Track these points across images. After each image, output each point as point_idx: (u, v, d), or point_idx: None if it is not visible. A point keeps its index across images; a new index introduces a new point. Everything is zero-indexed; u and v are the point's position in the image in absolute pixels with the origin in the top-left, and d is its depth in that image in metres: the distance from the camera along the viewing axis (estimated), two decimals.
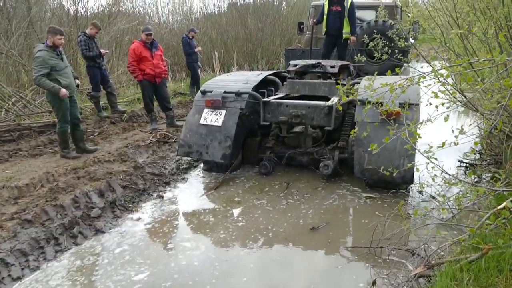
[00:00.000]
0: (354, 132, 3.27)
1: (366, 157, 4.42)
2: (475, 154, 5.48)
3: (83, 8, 11.02)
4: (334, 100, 4.93)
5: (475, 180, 4.61)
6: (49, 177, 4.70)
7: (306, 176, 5.13)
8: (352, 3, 6.96)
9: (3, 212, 3.91)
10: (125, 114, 7.81)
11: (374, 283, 2.82)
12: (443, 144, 2.39)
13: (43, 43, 5.14)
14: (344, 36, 7.07)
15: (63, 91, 5.12)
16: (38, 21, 10.00)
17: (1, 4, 9.04)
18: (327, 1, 7.07)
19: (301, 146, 5.38)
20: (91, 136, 6.55)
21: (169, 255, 3.34)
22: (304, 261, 3.25)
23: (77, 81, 5.75)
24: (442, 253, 2.98)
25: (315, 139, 5.37)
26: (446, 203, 3.18)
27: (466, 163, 5.25)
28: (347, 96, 4.96)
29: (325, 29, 7.25)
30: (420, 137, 2.85)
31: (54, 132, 6.19)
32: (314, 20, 7.51)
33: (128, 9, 14.92)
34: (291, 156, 5.32)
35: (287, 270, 3.10)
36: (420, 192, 4.39)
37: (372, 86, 2.89)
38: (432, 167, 2.82)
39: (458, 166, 5.23)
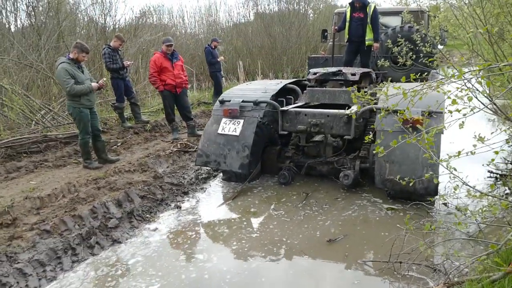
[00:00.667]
0: (368, 138, 3.14)
1: (387, 167, 4.26)
2: (506, 164, 5.21)
3: (111, 21, 11.34)
4: (354, 108, 4.80)
5: (506, 192, 4.36)
6: (70, 188, 4.78)
7: (325, 186, 5.01)
8: (375, 9, 6.81)
9: (24, 222, 4.00)
10: (149, 124, 7.92)
11: None
12: (459, 153, 2.25)
13: (65, 56, 5.29)
14: (367, 43, 6.92)
15: (95, 84, 5.39)
16: (68, 35, 10.34)
17: (33, 20, 9.40)
18: (349, 8, 6.94)
19: (321, 155, 5.27)
20: (114, 147, 6.65)
21: (181, 267, 3.31)
22: (318, 275, 3.14)
23: (104, 79, 5.89)
24: (466, 270, 2.81)
25: (335, 148, 5.25)
26: (472, 216, 3.00)
27: (496, 173, 4.98)
28: (365, 105, 4.85)
29: (347, 36, 7.12)
30: (433, 145, 2.70)
31: (78, 143, 6.33)
32: (336, 27, 7.40)
33: (154, 21, 15.28)
34: (311, 166, 5.22)
35: (301, 285, 3.00)
36: (445, 204, 4.19)
37: (388, 93, 2.78)
38: (454, 178, 2.67)
39: (488, 177, 4.97)
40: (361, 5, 6.79)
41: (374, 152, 4.52)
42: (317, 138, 5.35)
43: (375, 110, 4.63)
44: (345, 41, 7.45)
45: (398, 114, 3.40)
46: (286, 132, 5.12)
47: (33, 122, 7.31)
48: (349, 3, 6.93)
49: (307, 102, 5.60)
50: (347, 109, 4.73)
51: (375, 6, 6.87)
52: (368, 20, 6.81)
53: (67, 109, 5.52)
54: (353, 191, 4.79)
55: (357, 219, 4.08)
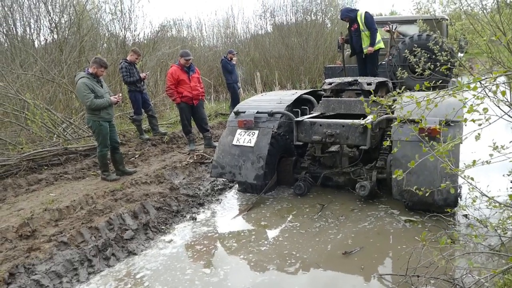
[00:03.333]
0: (386, 144, 3.06)
1: (404, 178, 4.17)
2: None
3: (131, 36, 11.59)
4: (369, 118, 4.74)
5: None
6: (88, 200, 4.86)
7: (341, 197, 4.94)
8: (366, 15, 6.79)
9: (43, 234, 4.07)
10: (166, 136, 8.01)
11: None
12: (474, 162, 2.18)
13: (84, 71, 5.42)
14: (364, 51, 6.93)
15: (113, 98, 5.51)
16: (89, 49, 10.61)
17: (55, 36, 9.69)
18: (348, 23, 7.06)
19: (337, 166, 5.21)
20: (132, 159, 6.74)
21: (186, 280, 3.30)
22: (327, 286, 3.08)
23: (120, 94, 6.01)
24: (486, 284, 2.70)
25: (352, 159, 5.18)
26: (491, 229, 2.90)
27: None
28: (381, 114, 4.77)
29: (352, 49, 7.23)
30: (448, 154, 2.63)
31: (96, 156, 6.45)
32: (343, 37, 7.48)
33: (173, 34, 15.54)
34: (327, 177, 5.16)
35: None
36: (465, 216, 4.06)
37: (402, 102, 2.73)
38: (472, 188, 2.60)
39: (511, 187, 4.81)
40: (351, 19, 6.86)
41: (391, 159, 4.47)
42: (333, 148, 5.29)
43: (391, 119, 4.56)
44: (349, 55, 7.52)
45: (414, 123, 3.35)
46: (301, 143, 5.08)
47: (55, 135, 7.49)
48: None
49: (322, 113, 5.57)
50: (363, 119, 4.68)
51: (365, 12, 6.84)
52: (362, 28, 6.81)
53: (87, 122, 5.64)
54: (370, 203, 4.70)
55: (374, 231, 4.00)
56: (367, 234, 3.93)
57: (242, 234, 4.13)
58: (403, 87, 3.03)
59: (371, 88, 5.44)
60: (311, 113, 5.58)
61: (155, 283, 3.29)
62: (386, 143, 3.05)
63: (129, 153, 7.01)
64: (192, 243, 3.99)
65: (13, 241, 3.94)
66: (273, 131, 5.00)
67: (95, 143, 6.98)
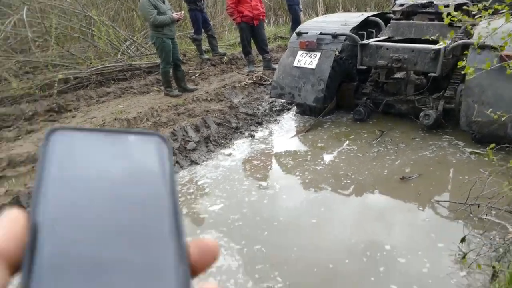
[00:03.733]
0: (460, 63, 2.86)
1: (475, 108, 3.96)
2: None
3: None
4: (443, 43, 4.42)
5: None
6: (153, 112, 5.10)
7: (403, 125, 4.82)
8: None
9: None
10: (225, 57, 8.02)
11: (463, 239, 2.61)
12: None
13: None
14: None
15: (175, 15, 5.53)
16: None
17: None
18: None
19: (401, 93, 5.01)
20: (192, 77, 6.88)
21: (244, 190, 3.47)
22: (381, 210, 3.13)
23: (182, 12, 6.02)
24: None
25: (418, 87, 4.94)
26: None
27: None
28: (457, 40, 4.44)
29: None
30: None
31: (159, 73, 6.64)
32: None
33: None
34: (389, 104, 5.00)
35: (363, 216, 3.03)
36: None
37: (482, 26, 2.51)
38: None
39: None
40: None
41: (462, 89, 4.22)
42: (399, 74, 5.06)
43: (467, 45, 4.24)
44: None
45: (495, 50, 3.10)
46: (365, 67, 4.90)
47: (119, 52, 7.74)
48: None
49: (390, 36, 5.26)
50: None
51: None
52: None
53: (150, 39, 5.74)
54: (433, 132, 4.56)
55: (435, 160, 3.92)
56: (427, 163, 3.87)
57: (298, 153, 4.21)
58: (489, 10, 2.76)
59: (449, 10, 5.00)
60: (378, 37, 5.30)
61: (215, 190, 3.50)
62: (461, 66, 2.85)
63: (190, 71, 7.14)
64: (250, 158, 4.14)
65: None
66: (335, 54, 4.84)
67: (157, 61, 7.16)
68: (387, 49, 4.59)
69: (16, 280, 0.24)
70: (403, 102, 4.94)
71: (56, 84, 5.85)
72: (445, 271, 2.40)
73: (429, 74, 4.49)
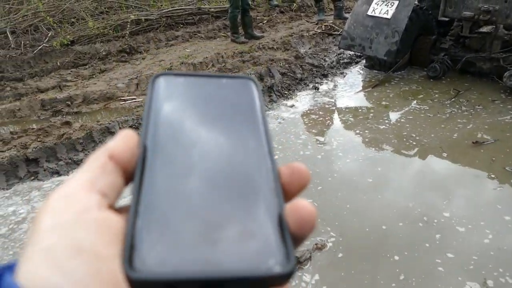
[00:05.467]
0: None
1: None
2: None
3: None
4: None
5: None
6: (219, 58, 5.12)
7: (482, 86, 4.41)
8: None
9: None
10: (295, 4, 7.72)
11: None
12: None
13: None
14: None
15: None
16: None
17: None
18: None
19: (485, 50, 4.54)
20: (260, 24, 6.74)
21: (300, 144, 3.41)
22: (445, 174, 2.96)
23: None
24: None
25: (506, 43, 4.44)
26: None
27: None
28: None
29: None
30: None
31: (227, 18, 6.58)
32: None
33: None
34: (469, 61, 4.57)
35: (415, 180, 2.88)
36: None
37: None
38: None
39: None
40: None
41: None
42: (485, 29, 4.57)
43: None
44: None
45: None
46: (447, 19, 4.48)
47: None
48: None
49: None
50: None
51: None
52: None
53: None
54: None
55: None
56: (506, 128, 3.55)
57: (361, 110, 4.05)
58: None
59: None
60: None
61: (273, 142, 3.49)
62: None
63: (257, 18, 6.99)
64: (311, 111, 4.05)
65: None
66: (415, 4, 4.44)
67: (226, 6, 7.08)
68: None
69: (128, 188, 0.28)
70: (486, 60, 4.49)
71: (128, 25, 6.03)
72: (510, 244, 2.25)
73: None
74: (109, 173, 0.27)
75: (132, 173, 0.27)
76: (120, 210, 0.27)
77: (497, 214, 2.49)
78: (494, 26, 4.40)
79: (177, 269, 0.23)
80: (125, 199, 0.27)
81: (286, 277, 0.24)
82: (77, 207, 0.25)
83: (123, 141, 0.28)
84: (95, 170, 0.27)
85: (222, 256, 0.24)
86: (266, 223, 0.26)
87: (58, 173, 2.98)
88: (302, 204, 0.27)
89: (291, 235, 0.26)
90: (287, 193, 0.29)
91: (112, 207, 0.27)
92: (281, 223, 0.26)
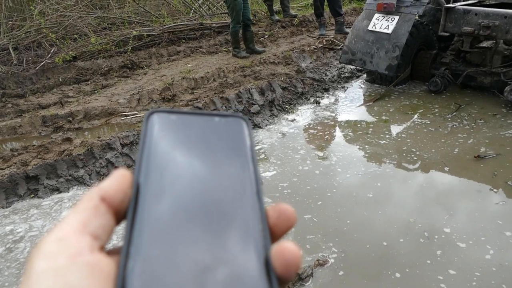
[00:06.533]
0: None
1: None
2: None
3: None
4: None
5: None
6: (220, 73, 5.15)
7: (483, 100, 4.41)
8: None
9: (181, 99, 4.52)
10: (296, 19, 7.79)
11: None
12: None
13: None
14: None
15: None
16: None
17: None
18: None
19: (486, 64, 4.55)
20: (261, 38, 6.79)
21: (298, 159, 3.39)
22: (446, 189, 2.93)
23: None
24: None
25: (506, 58, 4.46)
26: None
27: None
28: None
29: None
30: None
31: (229, 33, 6.64)
32: None
33: None
34: (470, 76, 4.58)
35: (416, 195, 2.86)
36: None
37: None
38: None
39: None
40: None
41: None
42: (485, 44, 4.59)
43: None
44: None
45: None
46: (447, 34, 4.50)
47: (192, 10, 7.82)
48: None
49: (480, 0, 4.75)
50: None
51: None
52: None
53: None
54: None
55: None
56: (507, 142, 3.53)
57: (361, 124, 4.04)
58: None
59: None
60: (466, 0, 4.80)
61: (270, 156, 3.48)
62: None
63: (259, 33, 7.05)
64: (312, 125, 4.05)
65: (157, 102, 4.47)
66: (416, 19, 4.47)
67: (227, 21, 7.15)
68: (476, 14, 4.16)
69: (120, 228, 0.29)
70: (486, 74, 4.50)
71: (130, 41, 6.08)
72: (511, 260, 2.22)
73: None
74: (101, 215, 0.28)
75: (124, 213, 0.28)
76: (111, 252, 0.28)
77: (498, 229, 2.46)
78: (494, 41, 4.42)
79: None
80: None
81: None
82: (69, 251, 0.25)
83: (117, 181, 0.29)
84: (87, 212, 0.28)
85: None
86: (253, 266, 0.26)
87: (58, 190, 2.98)
88: (287, 246, 0.27)
89: (277, 277, 0.26)
90: (274, 234, 0.30)
91: (103, 249, 0.27)
92: (268, 266, 0.27)
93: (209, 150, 0.32)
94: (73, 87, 4.97)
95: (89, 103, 4.41)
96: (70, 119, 4.02)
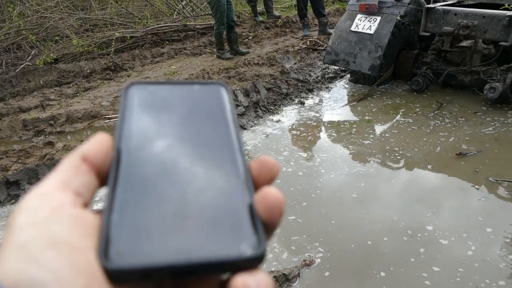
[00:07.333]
0: None
1: None
2: None
3: None
4: None
5: None
6: (204, 74, 5.13)
7: (464, 98, 4.49)
8: None
9: None
10: (280, 20, 7.81)
11: None
12: None
13: None
14: None
15: None
16: None
17: None
18: None
19: (466, 63, 4.63)
20: (245, 40, 6.79)
21: (282, 160, 3.38)
22: (428, 187, 2.97)
23: None
24: None
25: (485, 57, 4.55)
26: None
27: None
28: None
29: None
30: None
31: (213, 34, 6.62)
32: None
33: None
34: (451, 74, 4.66)
35: (399, 194, 2.90)
36: None
37: None
38: None
39: None
40: None
41: None
42: (465, 43, 4.68)
43: None
44: None
45: None
46: (428, 34, 4.57)
47: (175, 12, 7.77)
48: None
49: (460, 1, 4.84)
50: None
51: None
52: None
53: None
54: (498, 107, 4.22)
55: (497, 137, 3.64)
56: (488, 140, 3.60)
57: (345, 125, 4.06)
58: None
59: None
60: (446, 0, 4.89)
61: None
62: None
63: (243, 34, 7.05)
64: (296, 126, 4.06)
65: None
66: (397, 19, 4.53)
67: (211, 22, 7.13)
68: (455, 14, 4.24)
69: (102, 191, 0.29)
70: (467, 73, 4.58)
71: (113, 43, 6.02)
72: (493, 255, 2.27)
73: (500, 43, 4.11)
74: (83, 173, 0.28)
75: (106, 175, 0.29)
76: (95, 212, 0.27)
77: (479, 225, 2.51)
78: (473, 41, 4.50)
79: (150, 258, 0.24)
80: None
81: (258, 260, 0.25)
82: (51, 204, 0.25)
83: (97, 144, 0.29)
84: (69, 171, 0.27)
85: (194, 244, 0.25)
86: (237, 211, 0.27)
87: None
88: (269, 191, 0.28)
89: (262, 222, 0.27)
90: (258, 184, 0.30)
91: (87, 206, 0.27)
92: (252, 211, 0.27)
93: (189, 114, 0.32)
94: (55, 90, 4.89)
95: (71, 106, 4.35)
96: (52, 122, 3.96)
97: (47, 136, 3.66)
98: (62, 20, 6.59)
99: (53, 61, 5.61)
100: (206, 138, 0.31)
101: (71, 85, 5.05)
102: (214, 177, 0.29)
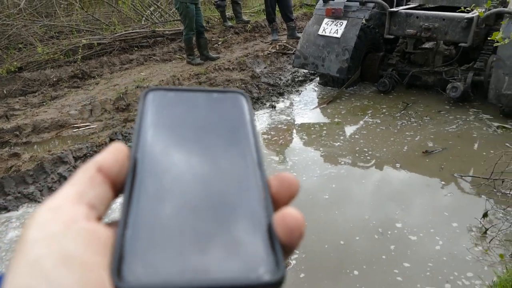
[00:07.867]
0: (495, 36, 2.71)
1: (506, 81, 3.79)
2: None
3: None
4: (476, 12, 4.18)
5: None
6: (175, 80, 5.10)
7: (428, 98, 4.66)
8: None
9: (135, 108, 4.43)
10: (249, 25, 7.86)
11: (485, 215, 2.55)
12: None
13: None
14: None
15: None
16: None
17: None
18: None
19: (429, 64, 4.81)
20: (215, 45, 6.80)
21: None
22: (397, 186, 3.08)
23: None
24: None
25: (446, 58, 4.74)
26: None
27: None
28: (492, 9, 4.19)
29: None
30: None
31: (182, 40, 6.59)
32: None
33: None
34: (415, 75, 4.82)
35: (369, 193, 2.98)
36: None
37: None
38: None
39: None
40: None
41: (493, 60, 4.03)
42: (427, 45, 4.85)
43: (502, 14, 4.01)
44: None
45: None
46: (392, 37, 4.72)
47: (143, 18, 7.69)
48: None
49: (421, 4, 5.02)
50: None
51: None
52: None
53: (174, 4, 5.67)
54: (460, 106, 4.40)
55: (460, 134, 3.80)
56: (452, 137, 3.75)
57: (316, 127, 4.14)
58: None
59: None
60: (408, 4, 5.06)
61: None
62: (495, 37, 2.70)
63: (213, 39, 7.05)
64: (268, 130, 4.10)
65: (111, 112, 4.36)
66: (363, 23, 4.66)
67: (180, 28, 7.10)
68: (417, 17, 4.40)
69: (118, 201, 0.28)
70: (430, 73, 4.76)
71: (80, 50, 5.90)
72: (460, 248, 2.36)
73: (460, 45, 4.30)
74: (98, 185, 0.27)
75: (121, 186, 0.28)
76: (109, 225, 0.27)
77: (445, 221, 2.61)
78: (435, 42, 4.67)
79: (166, 278, 0.23)
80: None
81: (276, 285, 0.24)
82: (64, 218, 0.24)
83: (112, 154, 0.28)
84: (83, 182, 0.27)
85: (212, 265, 0.24)
86: (255, 232, 0.26)
87: (6, 209, 2.83)
88: (289, 213, 0.27)
89: (281, 244, 0.26)
90: (277, 202, 0.29)
91: (100, 219, 0.26)
92: (270, 232, 0.26)
93: (208, 124, 0.31)
94: (19, 99, 4.75)
95: (37, 115, 4.23)
96: (17, 133, 3.84)
97: (12, 148, 3.54)
98: (25, 28, 6.41)
99: (16, 69, 5.44)
100: (225, 150, 0.30)
101: (36, 94, 4.91)
102: (233, 193, 0.28)
